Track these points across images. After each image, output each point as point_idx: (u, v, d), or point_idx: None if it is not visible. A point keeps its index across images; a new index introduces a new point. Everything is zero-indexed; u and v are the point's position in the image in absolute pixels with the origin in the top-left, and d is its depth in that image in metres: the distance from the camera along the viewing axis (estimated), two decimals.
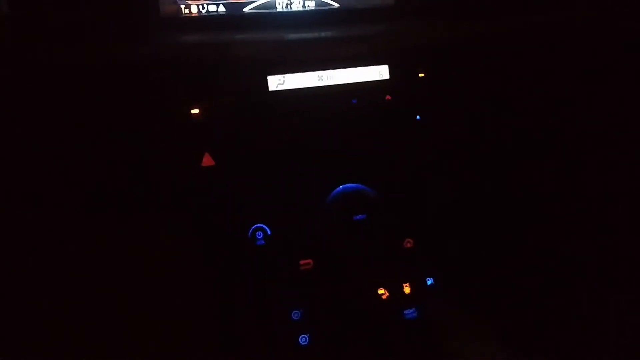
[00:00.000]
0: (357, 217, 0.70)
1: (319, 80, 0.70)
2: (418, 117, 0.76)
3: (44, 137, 0.64)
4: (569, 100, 0.82)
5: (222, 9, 0.68)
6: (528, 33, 0.77)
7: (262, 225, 0.68)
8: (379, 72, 0.73)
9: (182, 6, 0.67)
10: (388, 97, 0.73)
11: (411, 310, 0.74)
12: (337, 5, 0.72)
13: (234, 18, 0.69)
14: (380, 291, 0.73)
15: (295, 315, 0.70)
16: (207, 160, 0.68)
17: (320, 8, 0.71)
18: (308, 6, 0.71)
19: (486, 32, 0.75)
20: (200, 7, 0.67)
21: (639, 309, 0.74)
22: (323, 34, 0.70)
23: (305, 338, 0.70)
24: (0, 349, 0.65)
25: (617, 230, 0.78)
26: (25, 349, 0.65)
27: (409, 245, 0.75)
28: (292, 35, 0.69)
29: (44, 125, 0.64)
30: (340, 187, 0.72)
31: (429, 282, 0.76)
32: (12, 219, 0.65)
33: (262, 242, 0.68)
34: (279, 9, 0.70)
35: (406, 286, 0.74)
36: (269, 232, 0.68)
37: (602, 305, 0.77)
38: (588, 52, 0.77)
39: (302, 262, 0.71)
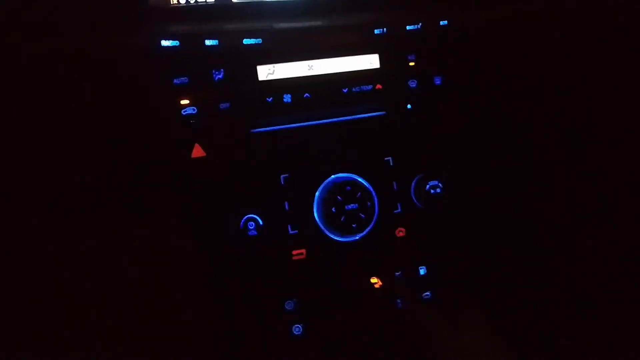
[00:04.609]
0: (349, 206, 0.70)
1: (309, 69, 0.70)
2: (409, 106, 0.76)
3: (26, 131, 0.64)
4: (563, 93, 0.82)
5: None
6: (520, 22, 0.78)
7: (254, 215, 0.68)
8: (370, 61, 0.73)
9: None
10: (379, 86, 0.73)
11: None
12: None
13: (223, 7, 0.68)
14: (373, 280, 0.73)
15: (289, 305, 0.70)
16: (198, 152, 0.68)
17: None
18: None
19: (477, 20, 0.75)
20: None
21: (638, 308, 0.74)
22: (313, 23, 0.70)
23: (299, 328, 0.70)
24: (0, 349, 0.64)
25: (619, 224, 0.79)
26: (22, 349, 0.65)
27: (401, 234, 0.75)
28: (282, 25, 0.68)
29: (26, 120, 0.63)
30: (332, 176, 0.72)
31: (421, 272, 0.76)
32: None
33: (255, 232, 0.67)
34: None
35: (398, 275, 0.75)
36: (260, 223, 0.68)
37: (601, 298, 0.78)
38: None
39: (294, 252, 0.71)
